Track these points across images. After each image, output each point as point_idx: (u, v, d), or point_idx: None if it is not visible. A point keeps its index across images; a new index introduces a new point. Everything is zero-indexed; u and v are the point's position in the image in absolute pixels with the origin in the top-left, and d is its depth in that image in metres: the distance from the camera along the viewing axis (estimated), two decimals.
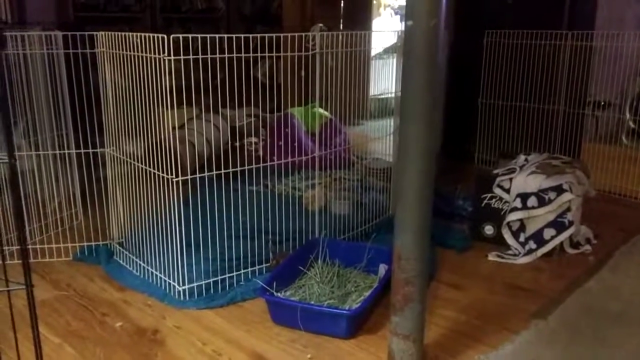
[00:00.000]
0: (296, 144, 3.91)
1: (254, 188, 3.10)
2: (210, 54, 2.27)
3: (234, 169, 2.54)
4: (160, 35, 2.13)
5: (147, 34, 2.19)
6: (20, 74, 2.89)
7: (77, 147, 2.91)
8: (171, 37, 2.12)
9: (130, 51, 2.33)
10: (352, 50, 2.88)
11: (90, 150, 2.82)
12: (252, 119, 4.81)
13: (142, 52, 2.24)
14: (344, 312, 2.23)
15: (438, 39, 1.69)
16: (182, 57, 2.18)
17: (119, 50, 2.42)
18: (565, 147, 4.16)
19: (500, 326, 2.30)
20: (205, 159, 4.02)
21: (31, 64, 2.93)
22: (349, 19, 6.31)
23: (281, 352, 2.12)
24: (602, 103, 4.07)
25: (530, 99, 4.28)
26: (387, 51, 5.55)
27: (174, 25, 5.95)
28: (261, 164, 2.63)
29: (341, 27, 6.06)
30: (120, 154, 2.66)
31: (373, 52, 5.86)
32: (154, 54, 2.17)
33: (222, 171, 2.48)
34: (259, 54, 2.49)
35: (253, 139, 4.54)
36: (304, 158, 2.86)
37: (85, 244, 2.91)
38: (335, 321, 2.17)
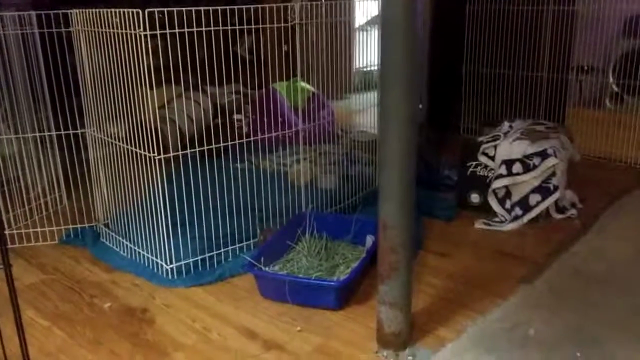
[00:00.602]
0: (281, 119, 3.88)
1: (239, 165, 3.08)
2: (188, 29, 2.23)
3: (217, 145, 2.52)
4: (134, 10, 2.08)
5: (121, 10, 2.14)
6: None
7: (58, 129, 2.86)
8: (146, 11, 2.07)
9: (105, 28, 2.28)
10: (334, 20, 2.85)
11: (71, 132, 2.78)
12: (236, 96, 4.76)
13: (117, 28, 2.20)
14: (332, 283, 2.23)
15: (416, 4, 1.67)
16: (158, 31, 2.14)
17: (94, 27, 2.37)
18: (550, 113, 4.16)
19: (488, 292, 2.32)
20: (189, 137, 3.99)
21: (6, 46, 2.86)
22: None
23: (270, 325, 2.13)
24: (586, 68, 4.07)
25: (514, 66, 4.26)
26: (371, 23, 5.50)
27: (152, 2, 5.84)
28: (244, 140, 2.61)
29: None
30: (101, 134, 2.62)
31: (356, 24, 5.81)
32: (130, 29, 2.12)
33: (205, 148, 2.46)
34: (237, 27, 2.45)
35: (236, 116, 4.50)
36: (287, 132, 2.84)
37: (70, 226, 2.89)
38: (323, 293, 2.18)
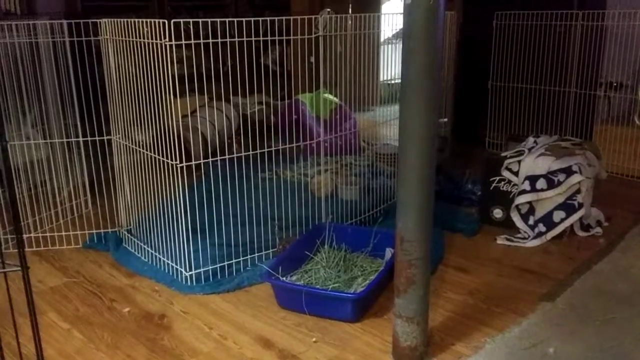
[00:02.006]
0: (305, 130, 3.90)
1: (261, 174, 3.10)
2: (214, 39, 2.27)
3: (238, 154, 2.54)
4: (160, 20, 2.12)
5: (147, 20, 2.18)
6: (28, 64, 2.91)
7: (85, 135, 2.92)
8: (172, 21, 2.11)
9: (132, 37, 2.33)
10: (359, 33, 2.86)
11: (97, 138, 2.83)
12: (262, 107, 4.80)
13: (143, 38, 2.24)
14: (349, 295, 2.23)
15: (438, 18, 1.67)
16: (183, 42, 2.17)
17: (121, 37, 2.42)
18: (576, 129, 4.10)
19: (508, 309, 2.29)
20: (213, 146, 4.03)
21: (38, 54, 2.94)
22: (358, 4, 6.25)
23: (287, 335, 2.13)
24: (614, 84, 4.00)
25: (541, 81, 4.21)
26: (397, 36, 5.50)
27: (182, 13, 5.94)
28: (266, 150, 2.62)
29: (350, 12, 6.02)
30: (126, 142, 2.67)
31: (383, 37, 5.82)
32: (156, 39, 2.16)
33: (227, 156, 2.48)
34: (261, 38, 2.47)
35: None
36: (308, 143, 2.85)
37: (94, 231, 2.94)
38: (340, 305, 2.17)
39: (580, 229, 2.96)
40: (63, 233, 2.91)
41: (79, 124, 3.04)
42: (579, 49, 4.03)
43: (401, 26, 1.73)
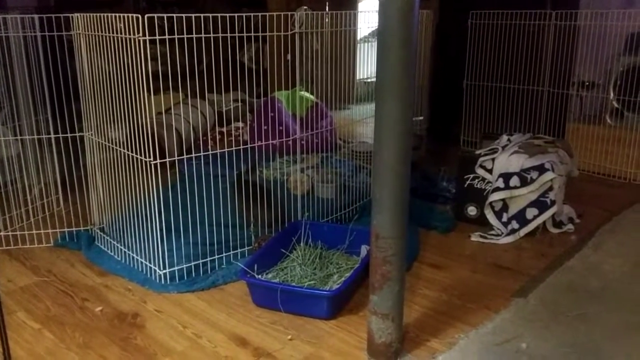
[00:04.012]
0: (280, 127, 3.89)
1: (236, 173, 3.08)
2: (188, 35, 2.24)
3: (213, 152, 2.52)
4: (134, 15, 2.09)
5: (120, 14, 2.15)
6: None
7: (57, 132, 2.87)
8: (146, 16, 2.08)
9: (105, 32, 2.29)
10: (336, 30, 2.86)
11: (69, 135, 2.78)
12: (239, 104, 4.78)
13: (116, 33, 2.21)
14: (324, 292, 2.22)
15: (413, 13, 1.67)
16: (157, 37, 2.14)
17: (93, 31, 2.38)
18: (549, 128, 4.16)
19: (482, 305, 2.31)
20: (188, 144, 4.00)
21: (8, 49, 2.88)
22: (334, 2, 6.26)
23: (262, 333, 2.12)
24: (587, 83, 4.07)
25: (515, 80, 4.26)
26: (373, 34, 5.52)
27: (157, 8, 5.87)
28: (241, 147, 2.61)
29: (326, 10, 6.01)
30: (99, 138, 2.63)
31: (359, 35, 5.82)
32: (129, 34, 2.13)
33: (202, 154, 2.46)
34: (237, 34, 2.46)
35: (240, 124, 4.51)
36: (285, 140, 2.84)
37: (66, 230, 2.89)
38: (315, 302, 2.17)
39: (552, 226, 3.00)
40: (34, 231, 2.85)
41: (50, 120, 2.98)
42: (552, 49, 4.09)
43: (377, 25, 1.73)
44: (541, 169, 2.85)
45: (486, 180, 3.04)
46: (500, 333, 2.10)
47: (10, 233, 2.84)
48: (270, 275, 2.43)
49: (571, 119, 4.15)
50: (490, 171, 3.01)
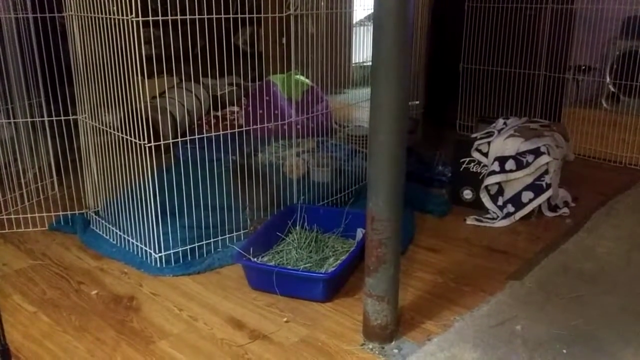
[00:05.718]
0: (275, 111, 3.87)
1: (232, 156, 3.07)
2: (182, 16, 2.22)
3: (208, 135, 2.51)
4: None
5: None
6: None
7: (51, 115, 2.85)
8: None
9: (97, 14, 2.27)
10: (331, 12, 2.83)
11: (63, 118, 2.76)
12: (234, 88, 4.75)
13: (109, 14, 2.18)
14: (320, 275, 2.23)
15: None
16: (150, 18, 2.12)
17: (86, 13, 2.35)
18: (545, 112, 4.16)
19: (477, 288, 2.32)
20: (183, 128, 3.98)
21: (0, 31, 2.85)
22: None
23: (257, 316, 2.12)
24: (583, 67, 4.06)
25: (512, 64, 4.25)
26: (369, 18, 5.48)
27: None
28: (236, 130, 2.59)
29: None
30: (93, 122, 2.61)
31: (355, 19, 5.79)
32: (122, 15, 2.11)
33: (197, 137, 2.45)
34: (231, 15, 2.43)
35: (235, 108, 4.49)
36: (280, 123, 2.83)
37: (61, 213, 2.88)
38: (311, 285, 2.17)
39: (547, 210, 3.00)
40: (29, 215, 2.84)
41: (44, 103, 2.96)
42: (549, 32, 4.07)
43: (372, 6, 1.71)
44: (537, 153, 2.85)
45: (482, 164, 3.04)
46: (495, 315, 2.11)
47: (4, 217, 2.83)
48: (266, 259, 2.43)
49: (567, 102, 4.14)
50: (486, 155, 3.01)
